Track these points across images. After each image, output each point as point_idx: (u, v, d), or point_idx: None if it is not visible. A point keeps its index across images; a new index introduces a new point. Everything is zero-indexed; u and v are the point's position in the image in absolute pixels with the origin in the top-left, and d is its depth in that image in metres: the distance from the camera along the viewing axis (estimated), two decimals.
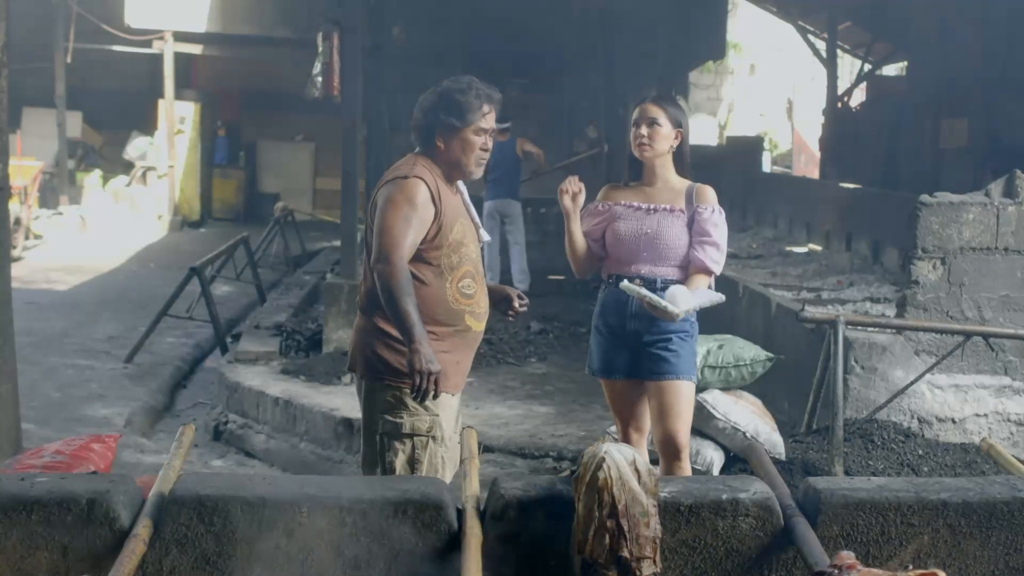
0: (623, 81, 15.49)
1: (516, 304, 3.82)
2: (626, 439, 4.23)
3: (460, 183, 3.79)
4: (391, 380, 3.53)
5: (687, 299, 3.90)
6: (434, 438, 3.56)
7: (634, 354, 4.11)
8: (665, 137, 4.08)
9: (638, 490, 2.70)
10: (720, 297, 4.02)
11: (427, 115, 3.65)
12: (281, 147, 20.06)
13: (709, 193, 4.13)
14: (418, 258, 3.57)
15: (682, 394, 4.07)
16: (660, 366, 4.06)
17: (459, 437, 3.78)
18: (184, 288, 9.16)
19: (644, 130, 4.07)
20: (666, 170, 4.13)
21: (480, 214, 4.60)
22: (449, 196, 3.66)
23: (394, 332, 3.52)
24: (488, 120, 3.67)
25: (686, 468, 4.12)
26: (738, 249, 10.33)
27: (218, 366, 8.30)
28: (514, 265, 10.77)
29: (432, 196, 3.57)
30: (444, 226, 3.59)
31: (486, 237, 3.85)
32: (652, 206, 4.10)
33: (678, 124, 4.10)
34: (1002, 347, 5.73)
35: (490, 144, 3.70)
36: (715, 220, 4.08)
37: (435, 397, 3.42)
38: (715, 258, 4.06)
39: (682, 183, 4.15)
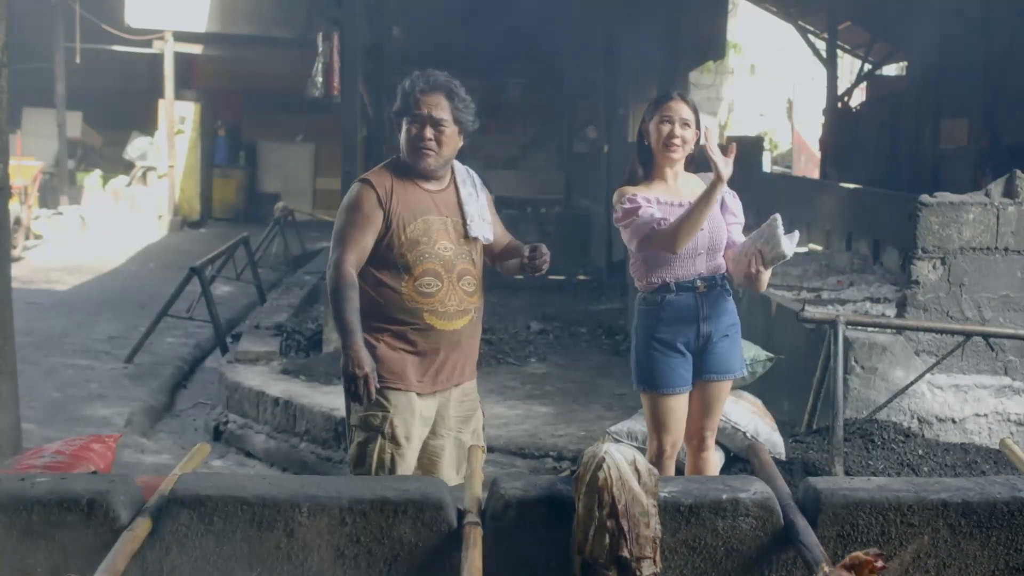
0: (623, 81, 15.49)
1: (527, 258, 3.71)
2: (664, 452, 4.09)
3: (464, 178, 3.80)
4: None
5: (791, 240, 3.90)
6: (383, 434, 3.63)
7: (698, 359, 4.06)
8: (694, 137, 4.04)
9: (638, 490, 2.69)
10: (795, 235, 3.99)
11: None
12: (281, 147, 20.07)
13: None
14: (376, 259, 3.66)
15: (728, 389, 4.21)
16: (724, 364, 4.09)
17: (457, 435, 3.81)
18: (184, 288, 9.16)
19: (678, 130, 3.98)
20: (681, 166, 4.09)
21: None
22: (409, 195, 3.67)
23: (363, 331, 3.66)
24: (426, 106, 3.63)
25: (714, 458, 4.21)
26: None
27: (218, 366, 8.29)
28: None
29: (379, 199, 3.63)
30: (396, 227, 3.63)
31: (478, 233, 3.76)
32: (690, 201, 3.99)
33: (699, 122, 4.08)
34: (1002, 347, 5.73)
35: (431, 134, 3.64)
36: (739, 203, 4.13)
37: (369, 400, 3.55)
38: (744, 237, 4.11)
39: (692, 175, 4.12)
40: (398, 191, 3.65)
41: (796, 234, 3.94)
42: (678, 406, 4.07)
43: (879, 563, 2.44)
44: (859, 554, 2.49)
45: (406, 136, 3.68)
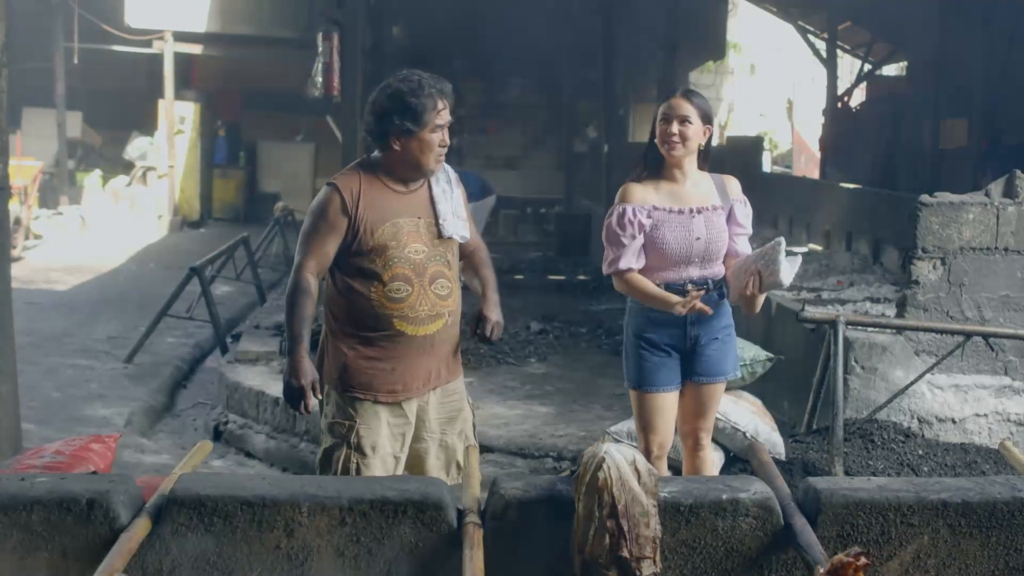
0: (623, 81, 15.50)
1: (472, 329, 3.71)
2: (651, 453, 4.04)
3: (438, 176, 3.71)
4: (328, 383, 3.71)
5: (791, 268, 3.85)
6: (348, 444, 3.61)
7: (688, 360, 4.04)
8: (696, 134, 3.94)
9: (638, 490, 2.69)
10: (797, 260, 3.96)
11: (381, 120, 3.58)
12: (281, 147, 20.06)
13: (738, 185, 4.06)
14: (346, 265, 3.60)
15: (722, 391, 4.19)
16: (714, 367, 4.05)
17: (442, 437, 3.77)
18: (184, 288, 9.16)
19: (675, 128, 3.91)
20: (691, 166, 4.01)
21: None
22: (378, 198, 3.58)
23: (332, 340, 3.69)
24: (443, 116, 3.60)
25: (710, 456, 4.18)
26: None
27: (218, 366, 8.30)
28: None
29: (345, 204, 3.55)
30: (363, 232, 3.56)
31: (451, 232, 3.67)
32: (692, 207, 3.96)
33: (708, 120, 3.98)
34: (1002, 347, 5.73)
35: (447, 138, 3.62)
36: (749, 212, 4.06)
37: (306, 410, 3.57)
38: (750, 250, 4.07)
39: (706, 176, 4.05)
40: (366, 194, 3.57)
41: (798, 259, 3.91)
42: (664, 405, 4.04)
43: (861, 560, 2.43)
44: (840, 556, 2.49)
45: (426, 148, 3.57)
